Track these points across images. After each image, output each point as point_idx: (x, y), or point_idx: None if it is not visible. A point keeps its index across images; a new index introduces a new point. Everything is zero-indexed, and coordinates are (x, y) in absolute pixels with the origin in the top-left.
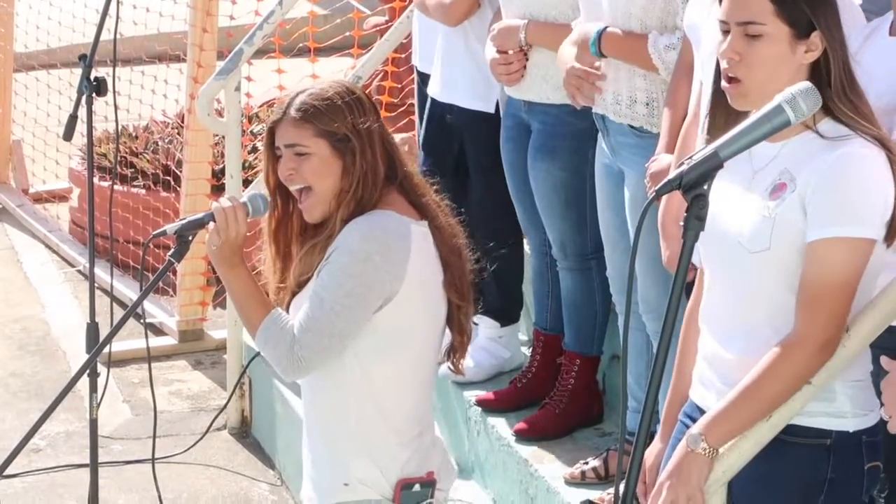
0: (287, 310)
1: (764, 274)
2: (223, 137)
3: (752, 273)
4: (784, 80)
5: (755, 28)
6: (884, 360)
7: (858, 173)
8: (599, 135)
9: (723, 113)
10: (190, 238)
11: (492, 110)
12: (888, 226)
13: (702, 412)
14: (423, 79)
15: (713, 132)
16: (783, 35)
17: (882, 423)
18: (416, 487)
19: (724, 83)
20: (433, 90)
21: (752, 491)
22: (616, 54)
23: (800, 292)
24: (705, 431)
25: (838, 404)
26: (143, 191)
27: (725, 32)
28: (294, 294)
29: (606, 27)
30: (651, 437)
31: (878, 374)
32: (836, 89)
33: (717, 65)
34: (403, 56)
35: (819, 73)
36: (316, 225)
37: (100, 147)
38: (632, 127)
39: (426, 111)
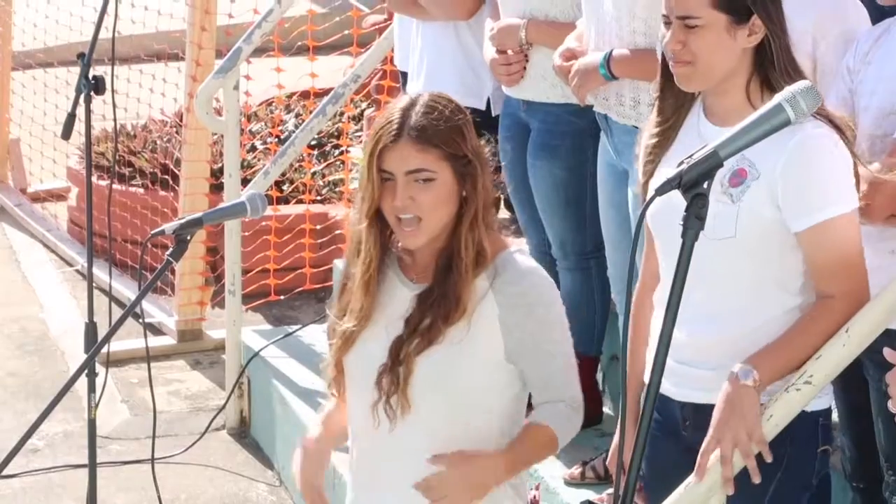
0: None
1: (728, 259)
2: (222, 136)
3: (715, 259)
4: (728, 62)
5: (692, 21)
6: (888, 352)
7: (821, 155)
8: (602, 134)
9: (671, 95)
10: (188, 237)
11: (482, 107)
12: None
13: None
14: (406, 77)
15: (662, 117)
16: (720, 23)
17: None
18: None
19: (671, 65)
20: (415, 89)
21: None
22: (628, 74)
23: (814, 274)
24: (756, 364)
25: None
26: (142, 190)
27: (667, 24)
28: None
29: (612, 50)
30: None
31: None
32: (780, 70)
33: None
34: None
35: (763, 56)
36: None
37: (98, 146)
38: (635, 127)
39: None
